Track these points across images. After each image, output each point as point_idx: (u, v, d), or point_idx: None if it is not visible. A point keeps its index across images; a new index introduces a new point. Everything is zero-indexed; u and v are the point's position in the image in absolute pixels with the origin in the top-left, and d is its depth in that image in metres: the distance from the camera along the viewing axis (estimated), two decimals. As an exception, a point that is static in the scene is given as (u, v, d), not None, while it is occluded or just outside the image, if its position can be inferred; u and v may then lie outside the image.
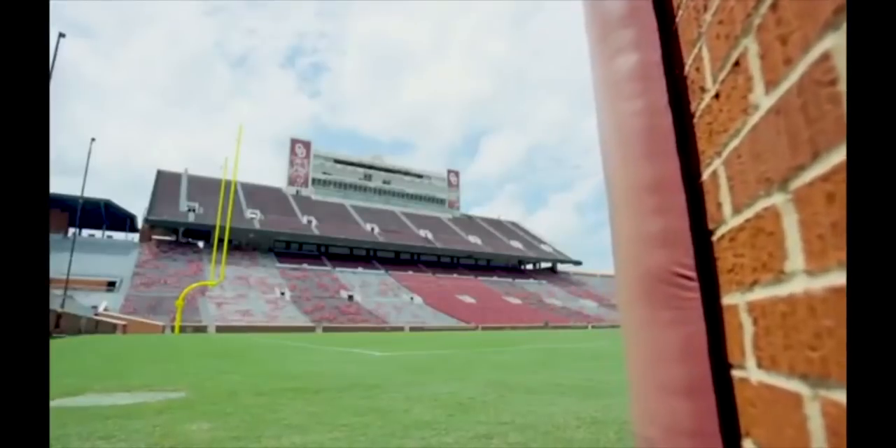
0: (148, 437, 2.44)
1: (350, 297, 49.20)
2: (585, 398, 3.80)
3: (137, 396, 4.11)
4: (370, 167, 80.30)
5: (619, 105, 0.83)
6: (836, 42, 0.38)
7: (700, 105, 0.76)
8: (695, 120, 0.80)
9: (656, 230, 0.74)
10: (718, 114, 0.69)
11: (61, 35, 24.31)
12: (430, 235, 68.96)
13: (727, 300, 0.68)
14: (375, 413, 3.13)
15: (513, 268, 74.36)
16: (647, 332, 0.73)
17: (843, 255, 0.38)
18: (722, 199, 0.69)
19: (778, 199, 0.49)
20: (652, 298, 0.72)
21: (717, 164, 0.71)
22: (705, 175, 0.77)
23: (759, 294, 0.56)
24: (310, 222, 62.07)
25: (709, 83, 0.73)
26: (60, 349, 11.00)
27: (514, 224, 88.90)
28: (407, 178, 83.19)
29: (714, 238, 0.73)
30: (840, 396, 0.38)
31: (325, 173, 75.64)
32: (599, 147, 0.94)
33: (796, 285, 0.46)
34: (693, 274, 0.70)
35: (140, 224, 55.87)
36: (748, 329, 0.62)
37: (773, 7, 0.47)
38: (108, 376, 5.72)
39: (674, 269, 0.71)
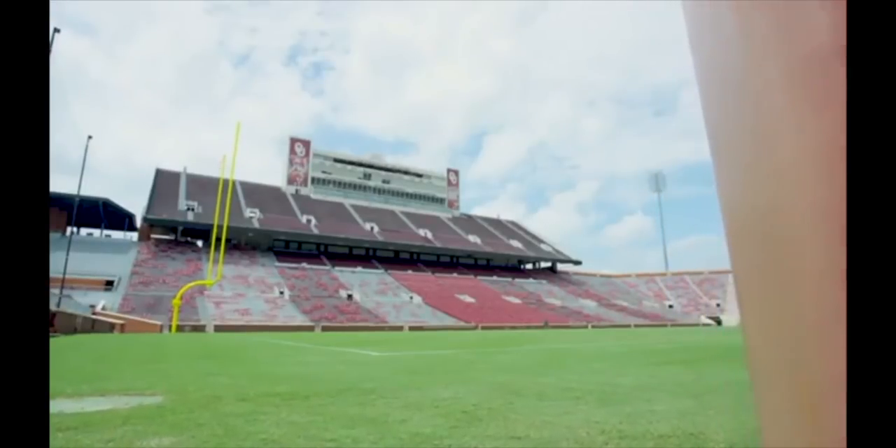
0: (97, 455, 2.06)
1: (349, 297, 48.75)
2: (604, 405, 3.42)
3: (109, 402, 3.74)
4: (369, 166, 79.70)
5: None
6: None
7: None
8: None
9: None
10: None
11: (56, 30, 23.95)
12: (429, 235, 68.48)
13: None
14: (369, 424, 2.75)
15: (512, 267, 73.87)
16: None
17: None
18: None
19: None
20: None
21: None
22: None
23: None
24: (309, 221, 61.58)
25: None
26: (47, 349, 10.60)
27: (513, 223, 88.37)
28: (406, 177, 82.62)
29: None
30: None
31: (324, 172, 75.08)
32: None
33: None
34: None
35: (139, 223, 55.38)
36: None
37: None
38: (85, 379, 5.34)
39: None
